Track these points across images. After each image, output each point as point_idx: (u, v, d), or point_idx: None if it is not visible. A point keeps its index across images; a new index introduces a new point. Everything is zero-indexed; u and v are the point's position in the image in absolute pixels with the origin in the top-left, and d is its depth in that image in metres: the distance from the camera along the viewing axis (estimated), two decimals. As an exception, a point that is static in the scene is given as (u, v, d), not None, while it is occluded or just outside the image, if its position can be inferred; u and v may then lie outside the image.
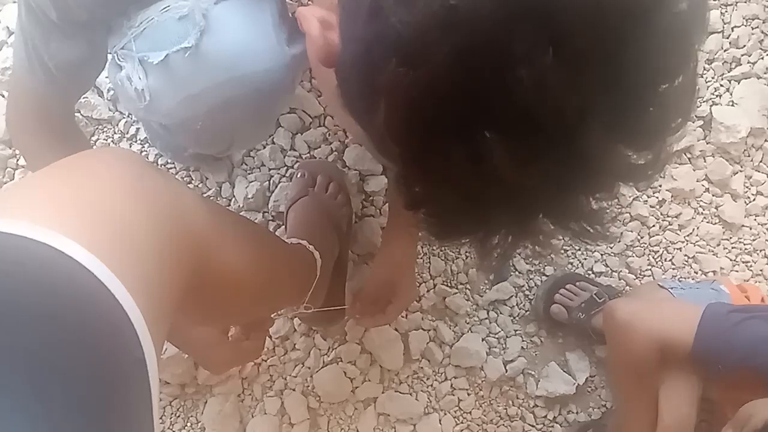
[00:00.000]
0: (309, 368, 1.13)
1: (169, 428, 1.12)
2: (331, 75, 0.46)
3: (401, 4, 0.36)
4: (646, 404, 0.80)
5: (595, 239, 0.42)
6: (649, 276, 1.18)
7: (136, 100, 0.62)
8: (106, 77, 0.73)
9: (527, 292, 1.18)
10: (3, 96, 1.12)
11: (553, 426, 1.15)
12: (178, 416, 1.12)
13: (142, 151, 1.13)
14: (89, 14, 0.60)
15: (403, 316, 1.14)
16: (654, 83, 0.36)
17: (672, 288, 0.90)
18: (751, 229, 1.20)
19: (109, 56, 0.66)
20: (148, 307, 0.35)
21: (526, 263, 1.18)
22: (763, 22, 1.20)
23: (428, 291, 1.15)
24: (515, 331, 1.17)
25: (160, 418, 1.11)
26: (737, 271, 1.19)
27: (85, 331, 0.31)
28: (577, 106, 0.35)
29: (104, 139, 1.13)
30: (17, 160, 1.12)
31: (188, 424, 1.12)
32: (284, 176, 1.13)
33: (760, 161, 1.20)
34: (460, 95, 0.36)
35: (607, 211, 0.42)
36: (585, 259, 1.18)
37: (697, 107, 1.18)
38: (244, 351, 0.92)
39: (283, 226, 1.08)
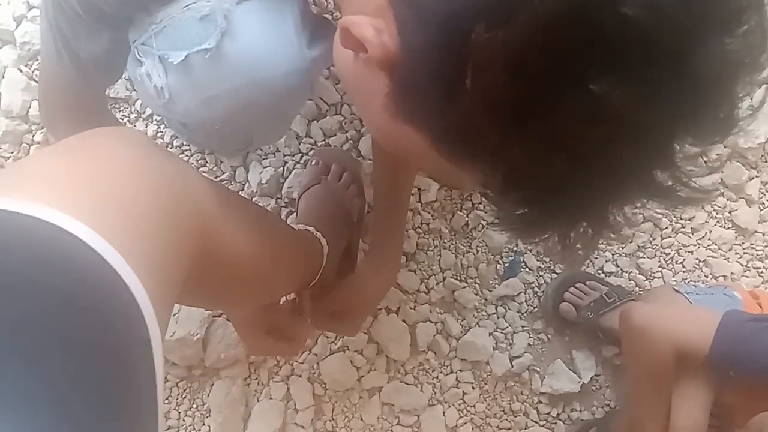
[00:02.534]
0: (316, 355, 1.13)
1: (174, 409, 1.13)
2: (375, 85, 0.45)
3: None
4: (660, 408, 0.80)
5: (689, 203, 0.40)
6: (660, 278, 1.18)
7: (155, 97, 0.62)
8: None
9: (536, 289, 1.18)
10: (20, 71, 1.11)
11: (556, 423, 1.16)
12: (185, 398, 1.13)
13: (158, 132, 1.13)
14: (112, 8, 0.60)
15: (411, 308, 1.14)
16: (735, 21, 0.35)
17: (688, 293, 0.90)
18: (764, 235, 1.19)
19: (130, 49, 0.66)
20: (153, 286, 0.34)
21: (537, 260, 1.18)
22: (788, 27, 1.19)
23: (437, 284, 1.15)
24: (523, 327, 1.17)
25: (167, 399, 1.12)
26: (748, 277, 1.18)
27: (91, 309, 0.30)
28: (686, 29, 0.34)
29: (120, 118, 1.13)
30: (32, 135, 1.12)
31: (194, 406, 1.13)
32: (298, 163, 1.13)
33: (777, 167, 1.19)
34: (566, 40, 0.34)
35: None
36: (596, 258, 1.18)
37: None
38: (280, 349, 0.91)
39: (295, 213, 1.08)
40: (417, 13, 0.41)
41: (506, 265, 1.17)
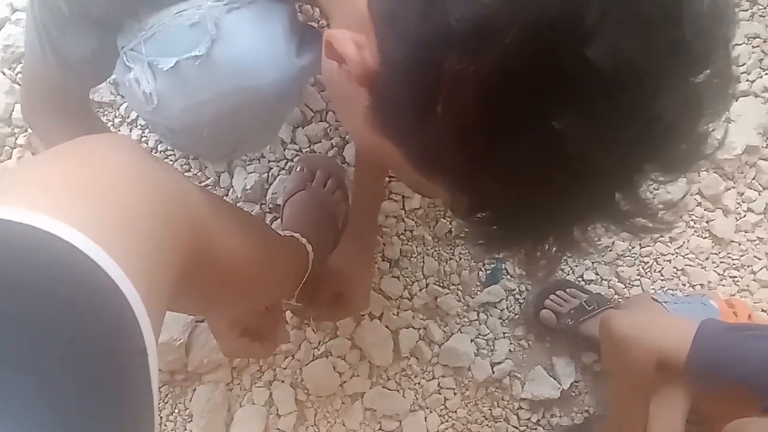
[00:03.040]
0: (299, 361, 1.13)
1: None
2: (356, 96, 0.46)
3: (458, 2, 0.36)
4: (639, 414, 0.82)
5: (653, 232, 0.41)
6: (638, 286, 1.20)
7: (143, 102, 0.62)
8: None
9: (518, 296, 1.19)
10: (3, 74, 1.11)
11: (536, 428, 1.17)
12: (167, 402, 1.13)
13: (142, 137, 1.13)
14: (101, 11, 0.60)
15: (394, 314, 1.15)
16: (701, 63, 0.37)
17: (665, 302, 0.92)
18: (740, 244, 1.22)
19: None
20: (147, 292, 0.34)
21: (518, 268, 1.19)
22: (764, 42, 1.21)
23: (420, 290, 1.16)
24: (504, 333, 1.18)
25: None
26: (724, 286, 1.21)
27: (89, 315, 0.31)
28: (650, 73, 0.35)
29: (105, 122, 1.12)
30: (15, 139, 1.11)
31: (176, 411, 1.13)
32: (283, 169, 1.14)
33: (753, 178, 1.22)
34: (531, 78, 0.35)
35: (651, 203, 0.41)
36: (576, 266, 1.20)
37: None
38: (252, 350, 0.91)
39: (280, 219, 1.08)
40: (396, 33, 0.42)
41: (488, 272, 1.18)
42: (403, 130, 0.44)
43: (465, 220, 0.43)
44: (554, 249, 0.43)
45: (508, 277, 1.19)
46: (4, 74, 1.11)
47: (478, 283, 1.18)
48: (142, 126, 1.13)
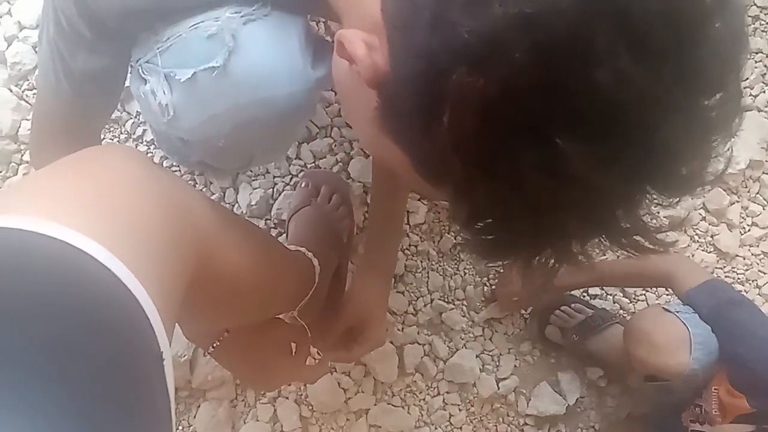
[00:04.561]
0: (303, 377, 1.13)
1: (160, 431, 1.12)
2: (366, 98, 0.46)
3: (471, 13, 0.36)
4: None
5: (650, 252, 0.41)
6: (643, 300, 1.20)
7: (159, 114, 0.62)
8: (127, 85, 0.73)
9: (523, 311, 1.19)
10: (10, 90, 1.11)
11: (541, 445, 1.16)
12: (170, 419, 1.12)
13: (147, 153, 1.14)
14: (119, 26, 0.60)
15: (399, 330, 1.15)
16: (711, 89, 0.37)
17: (678, 312, 0.93)
18: (744, 259, 1.22)
19: (132, 67, 0.67)
20: (161, 300, 0.35)
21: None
22: (767, 57, 1.22)
23: (425, 305, 1.16)
24: (509, 349, 1.18)
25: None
26: (729, 300, 1.20)
27: (108, 327, 0.31)
28: (656, 101, 0.35)
29: (110, 139, 1.13)
30: (21, 155, 1.12)
31: (180, 428, 1.12)
32: (288, 185, 1.14)
33: (757, 193, 1.22)
34: (537, 97, 0.35)
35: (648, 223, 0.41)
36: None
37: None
38: (303, 372, 0.88)
39: (285, 235, 1.09)
40: (406, 41, 0.42)
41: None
42: (409, 136, 0.44)
43: (464, 227, 0.43)
44: (552, 261, 0.43)
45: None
46: (11, 91, 1.11)
47: (483, 298, 1.17)
48: (147, 142, 1.13)
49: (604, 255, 1.13)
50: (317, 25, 1.08)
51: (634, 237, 0.41)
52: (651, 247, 0.41)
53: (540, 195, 0.38)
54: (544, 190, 0.37)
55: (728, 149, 0.40)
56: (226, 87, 0.60)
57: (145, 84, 0.62)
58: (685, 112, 0.36)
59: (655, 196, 0.40)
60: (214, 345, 0.74)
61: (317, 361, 0.91)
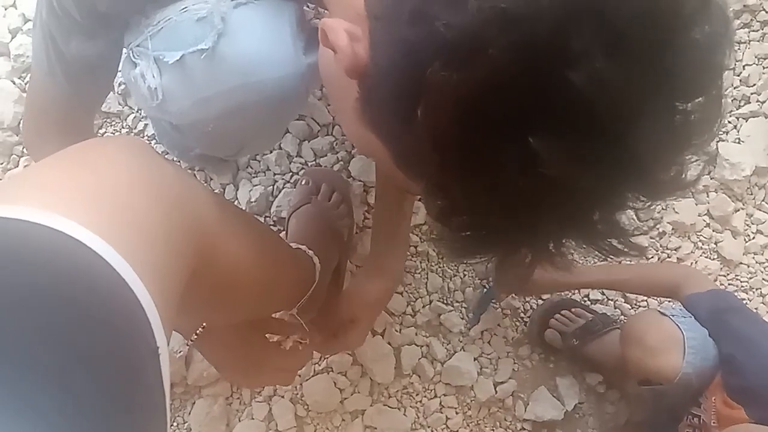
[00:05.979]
0: (299, 376, 1.12)
1: (155, 426, 1.11)
2: (348, 88, 0.46)
3: (449, 7, 0.36)
4: None
5: (624, 255, 0.41)
6: (645, 306, 1.19)
7: (148, 98, 0.62)
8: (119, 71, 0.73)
9: (522, 315, 1.18)
10: (13, 83, 1.12)
11: (538, 450, 1.15)
12: (165, 415, 1.12)
13: (148, 148, 1.13)
14: (110, 9, 0.60)
15: (397, 331, 1.14)
16: (690, 93, 0.36)
17: (673, 316, 0.92)
18: (748, 267, 1.20)
19: (124, 52, 0.66)
20: (160, 294, 0.35)
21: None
22: (775, 63, 1.21)
23: (424, 307, 1.15)
24: (507, 353, 1.17)
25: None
26: (733, 308, 1.19)
27: (106, 320, 0.31)
28: (631, 103, 0.34)
29: (112, 133, 1.13)
30: (23, 147, 1.12)
31: (175, 424, 1.12)
32: (288, 182, 1.13)
33: (762, 200, 1.20)
34: (511, 95, 0.35)
35: (627, 226, 0.41)
36: (582, 285, 1.18)
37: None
38: (288, 360, 0.88)
39: (284, 232, 1.08)
40: (386, 33, 0.42)
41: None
42: (387, 128, 0.44)
43: (438, 222, 0.43)
44: (528, 259, 0.43)
45: (511, 296, 1.17)
46: (13, 83, 1.12)
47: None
48: (149, 137, 1.13)
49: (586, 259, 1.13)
50: (310, 10, 1.08)
51: (610, 240, 0.40)
52: (627, 251, 0.41)
53: (515, 193, 0.37)
54: (519, 189, 0.37)
55: (714, 152, 0.39)
56: (214, 70, 0.60)
57: (135, 68, 0.62)
58: (661, 115, 0.35)
59: (633, 200, 0.39)
60: (198, 332, 0.73)
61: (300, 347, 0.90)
